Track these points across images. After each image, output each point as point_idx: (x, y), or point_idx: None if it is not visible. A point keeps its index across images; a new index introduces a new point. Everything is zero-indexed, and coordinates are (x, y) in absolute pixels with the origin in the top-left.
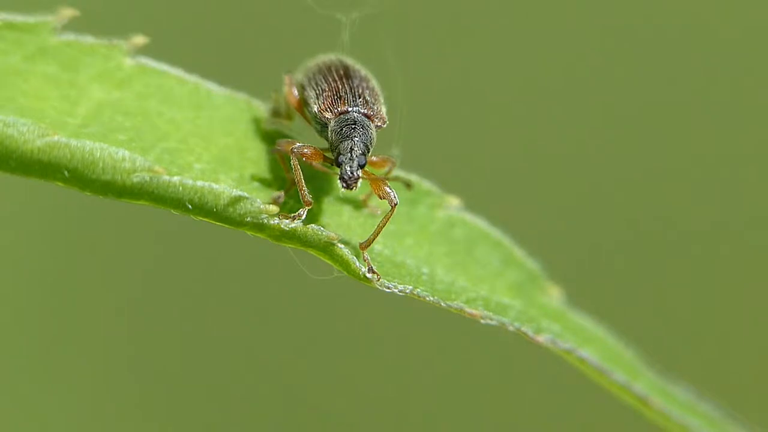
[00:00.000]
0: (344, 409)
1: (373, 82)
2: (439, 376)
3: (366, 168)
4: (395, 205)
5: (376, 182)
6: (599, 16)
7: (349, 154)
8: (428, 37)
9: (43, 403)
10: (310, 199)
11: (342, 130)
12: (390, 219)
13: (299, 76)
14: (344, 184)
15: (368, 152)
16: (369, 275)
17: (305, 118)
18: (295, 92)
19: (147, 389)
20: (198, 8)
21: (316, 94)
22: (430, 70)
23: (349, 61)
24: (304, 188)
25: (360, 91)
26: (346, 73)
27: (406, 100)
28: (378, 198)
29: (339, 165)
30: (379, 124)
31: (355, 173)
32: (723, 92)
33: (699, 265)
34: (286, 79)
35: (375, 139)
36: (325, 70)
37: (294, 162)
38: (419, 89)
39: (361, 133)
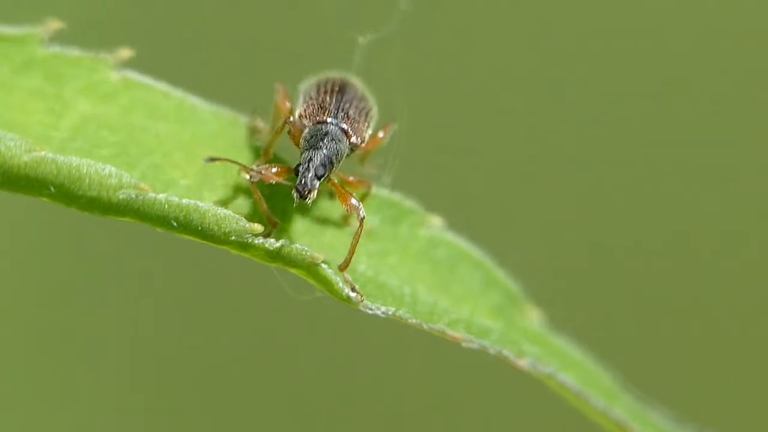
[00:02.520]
0: (345, 413)
1: (370, 105)
2: (440, 378)
3: (341, 185)
4: (362, 219)
5: (344, 195)
6: (587, 47)
7: (307, 164)
8: (424, 56)
9: (44, 405)
10: (275, 220)
11: (311, 138)
12: (361, 235)
13: (300, 87)
14: (297, 194)
15: (333, 167)
16: (352, 295)
17: (290, 134)
18: (287, 103)
19: (147, 390)
20: (196, 23)
21: (304, 101)
22: (420, 88)
23: (355, 81)
24: (266, 209)
25: (346, 106)
26: (341, 89)
27: (406, 123)
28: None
29: (296, 174)
30: (354, 141)
31: (308, 183)
32: (705, 120)
33: (679, 289)
34: (279, 88)
35: (344, 156)
36: (322, 84)
37: (252, 186)
38: (413, 109)
39: (328, 146)
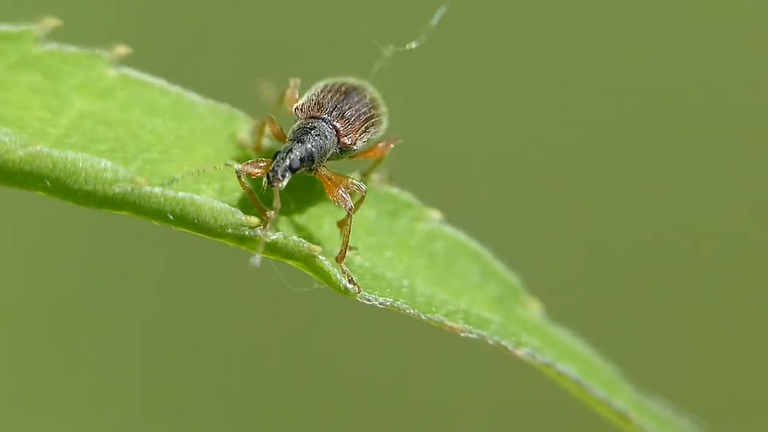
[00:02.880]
0: (345, 403)
1: (375, 113)
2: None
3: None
4: (350, 209)
5: (331, 187)
6: (585, 49)
7: (285, 154)
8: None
9: (46, 408)
10: (266, 210)
11: (298, 130)
12: (351, 225)
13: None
14: (266, 180)
15: (315, 163)
16: (350, 287)
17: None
18: (297, 95)
19: (152, 393)
20: (199, 23)
21: (307, 97)
22: (422, 80)
23: (369, 90)
24: (258, 202)
25: (345, 107)
26: (346, 91)
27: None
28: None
29: (273, 159)
30: (346, 142)
31: (279, 172)
32: (699, 123)
33: (678, 283)
34: (292, 81)
35: (328, 153)
36: (330, 85)
37: (242, 181)
38: (412, 104)
39: (313, 141)
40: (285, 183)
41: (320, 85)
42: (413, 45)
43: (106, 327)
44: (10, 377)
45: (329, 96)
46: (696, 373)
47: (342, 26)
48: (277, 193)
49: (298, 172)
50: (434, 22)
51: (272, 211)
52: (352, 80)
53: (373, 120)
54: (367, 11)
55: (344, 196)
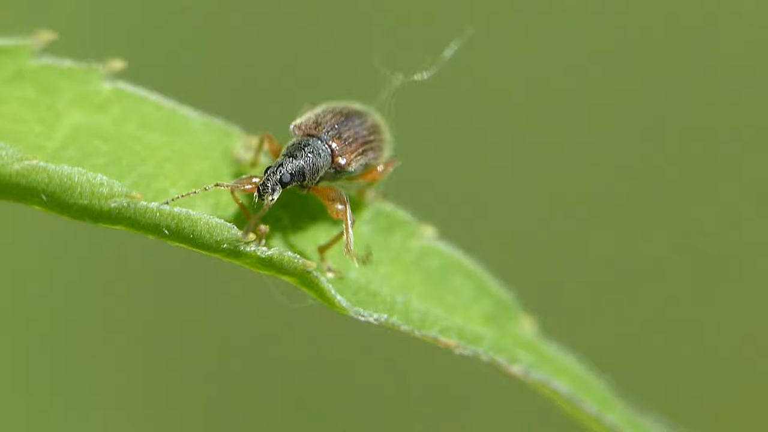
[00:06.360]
0: (338, 420)
1: (375, 139)
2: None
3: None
4: (352, 223)
5: (328, 203)
6: (576, 59)
7: (276, 168)
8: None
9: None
10: (259, 225)
11: (292, 146)
12: (350, 231)
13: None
14: (257, 193)
15: (306, 179)
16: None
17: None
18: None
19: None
20: (196, 38)
21: (306, 116)
22: (414, 95)
23: (374, 117)
24: (253, 219)
25: (343, 128)
26: (348, 115)
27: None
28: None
29: (264, 173)
30: (341, 162)
31: (269, 185)
32: (700, 136)
33: (673, 293)
34: (306, 106)
35: (320, 171)
36: (335, 107)
37: (235, 196)
38: (406, 118)
39: (306, 158)
40: (276, 196)
41: (323, 106)
42: (423, 76)
43: (99, 343)
44: (9, 377)
45: (329, 117)
46: (691, 388)
47: (352, 52)
48: (267, 206)
49: (289, 187)
50: (447, 55)
51: (266, 226)
52: (356, 105)
53: (372, 144)
54: (381, 40)
55: (344, 209)
